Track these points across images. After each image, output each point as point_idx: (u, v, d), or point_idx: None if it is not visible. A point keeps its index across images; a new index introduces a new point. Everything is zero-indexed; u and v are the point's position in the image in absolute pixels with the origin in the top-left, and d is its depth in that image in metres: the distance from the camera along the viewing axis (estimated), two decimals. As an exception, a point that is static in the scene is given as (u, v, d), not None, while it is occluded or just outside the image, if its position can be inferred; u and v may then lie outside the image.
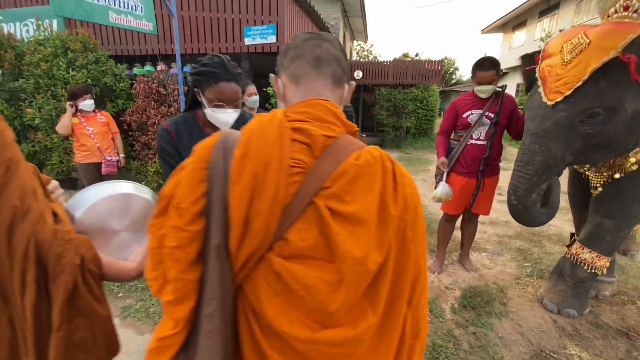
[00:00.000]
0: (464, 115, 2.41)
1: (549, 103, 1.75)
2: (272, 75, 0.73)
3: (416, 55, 14.46)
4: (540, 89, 1.83)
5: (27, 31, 4.46)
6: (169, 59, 4.43)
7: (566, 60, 1.69)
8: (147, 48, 4.44)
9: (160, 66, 4.17)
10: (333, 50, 0.70)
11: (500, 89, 2.35)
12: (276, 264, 0.54)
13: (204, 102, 1.24)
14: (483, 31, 18.77)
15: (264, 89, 3.95)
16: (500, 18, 16.36)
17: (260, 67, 3.71)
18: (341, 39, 13.62)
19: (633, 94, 1.57)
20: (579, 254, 2.17)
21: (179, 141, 1.34)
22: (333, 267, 0.54)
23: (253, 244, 0.54)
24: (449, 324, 2.16)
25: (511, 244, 3.27)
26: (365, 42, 20.74)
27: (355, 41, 20.12)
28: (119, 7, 2.73)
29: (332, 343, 0.55)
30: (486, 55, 2.34)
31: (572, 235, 2.45)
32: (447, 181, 2.46)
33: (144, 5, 2.97)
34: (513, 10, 15.07)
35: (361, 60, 13.29)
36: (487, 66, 2.26)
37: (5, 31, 4.33)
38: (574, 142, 1.73)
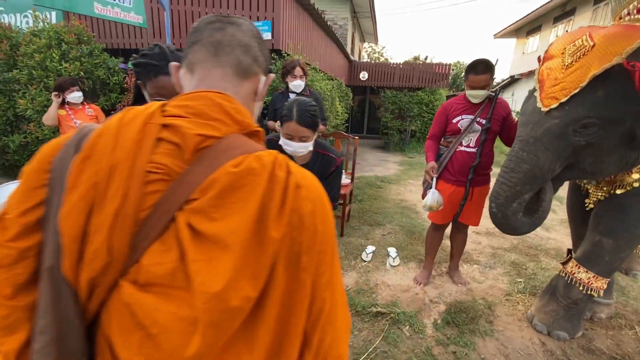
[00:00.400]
0: (454, 121, 2.27)
1: (543, 109, 1.61)
2: (172, 64, 0.63)
3: (425, 58, 14.23)
4: (537, 93, 1.70)
5: (27, 22, 4.46)
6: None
7: (567, 64, 1.55)
8: (143, 42, 4.40)
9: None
10: (239, 35, 0.59)
11: (493, 94, 2.22)
12: (125, 293, 0.43)
13: (146, 96, 1.15)
14: (496, 36, 18.39)
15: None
16: (514, 23, 16.01)
17: None
18: (349, 40, 13.51)
19: (635, 107, 1.41)
20: (574, 273, 2.01)
21: None
22: (191, 302, 0.43)
23: (94, 268, 0.43)
24: (428, 341, 2.03)
25: (505, 257, 3.11)
26: (376, 44, 20.56)
27: (365, 43, 19.97)
28: (105, -2, 2.68)
29: None
30: (480, 58, 2.20)
31: (569, 251, 2.29)
32: (435, 188, 2.32)
33: (134, -3, 2.92)
34: (527, 15, 14.73)
35: (367, 61, 13.12)
36: (481, 69, 2.12)
37: (6, 22, 4.34)
38: (564, 153, 1.59)
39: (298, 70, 2.88)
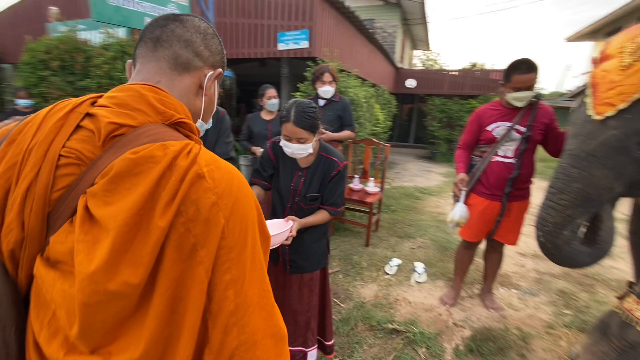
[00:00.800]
0: (489, 128, 2.07)
1: (597, 117, 1.37)
2: (128, 61, 0.66)
3: (473, 65, 13.41)
4: (588, 100, 1.46)
5: (101, 38, 5.09)
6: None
7: (625, 64, 1.32)
8: None
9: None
10: (179, 30, 0.60)
11: (535, 99, 1.99)
12: (36, 268, 0.46)
13: None
14: (569, 39, 16.64)
15: (295, 93, 3.93)
16: (591, 25, 14.37)
17: (298, 71, 3.71)
18: (399, 48, 13.26)
19: None
20: (632, 311, 1.69)
21: None
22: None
23: (10, 241, 0.46)
24: (445, 368, 1.85)
25: (552, 284, 2.74)
26: (428, 50, 19.90)
27: (418, 50, 19.45)
28: (155, 13, 2.96)
29: None
30: (523, 57, 1.98)
31: (629, 284, 1.94)
32: (465, 202, 2.14)
33: (180, 11, 3.19)
34: (606, 16, 13.12)
35: (416, 69, 12.73)
36: (525, 68, 1.90)
37: (84, 37, 5.01)
38: (626, 170, 1.31)
39: (327, 76, 2.88)
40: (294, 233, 1.30)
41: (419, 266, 2.85)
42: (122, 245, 0.42)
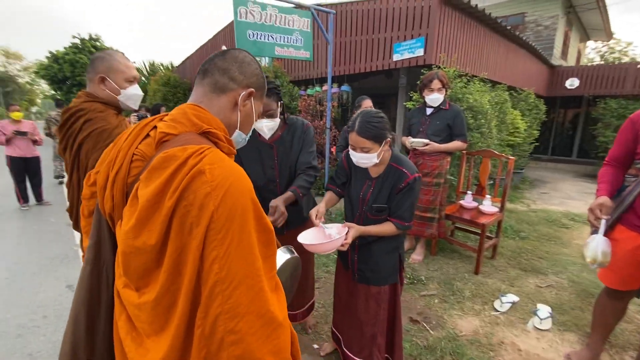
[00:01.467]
0: None
1: None
2: None
3: None
4: None
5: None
6: (335, 80, 5.10)
7: None
8: (311, 73, 5.31)
9: (325, 87, 4.88)
10: (220, 62, 0.77)
11: None
12: (116, 227, 0.69)
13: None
14: None
15: (406, 103, 3.85)
16: None
17: (415, 80, 3.68)
18: (559, 42, 10.92)
19: None
20: None
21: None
22: None
23: (108, 206, 0.71)
24: None
25: None
26: (608, 40, 15.50)
27: (591, 41, 15.44)
28: (283, 42, 3.47)
29: (128, 301, 0.65)
30: None
31: None
32: (607, 235, 1.63)
33: (304, 38, 3.62)
34: None
35: (581, 65, 10.13)
36: None
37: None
38: None
39: (435, 84, 2.72)
40: (349, 240, 1.31)
41: (544, 309, 2.29)
42: (144, 215, 0.61)
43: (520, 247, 3.41)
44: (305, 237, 1.35)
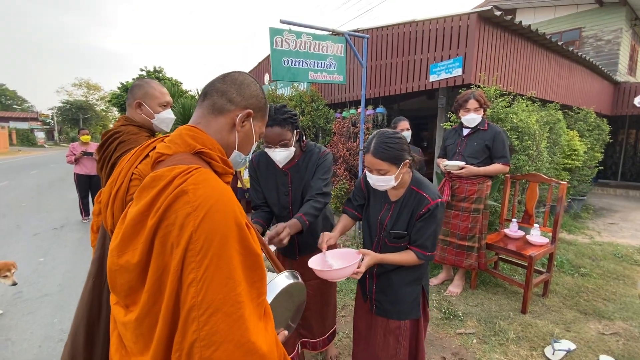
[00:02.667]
0: None
1: None
2: None
3: None
4: None
5: (290, 91, 6.54)
6: (371, 102, 5.10)
7: None
8: (346, 96, 5.36)
9: (360, 109, 4.90)
10: (219, 84, 0.79)
11: None
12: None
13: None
14: None
15: (444, 124, 3.70)
16: None
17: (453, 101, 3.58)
18: (626, 56, 9.97)
19: None
20: None
21: (258, 169, 1.67)
22: None
23: (109, 223, 0.75)
24: None
25: None
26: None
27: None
28: (316, 67, 3.56)
29: (117, 318, 0.66)
30: None
31: None
32: None
33: (337, 62, 3.69)
34: None
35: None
36: None
37: (280, 92, 6.58)
38: None
39: (472, 103, 2.58)
40: (363, 269, 1.22)
41: (608, 362, 1.93)
42: (129, 234, 0.62)
43: (579, 285, 2.98)
44: (317, 262, 1.29)
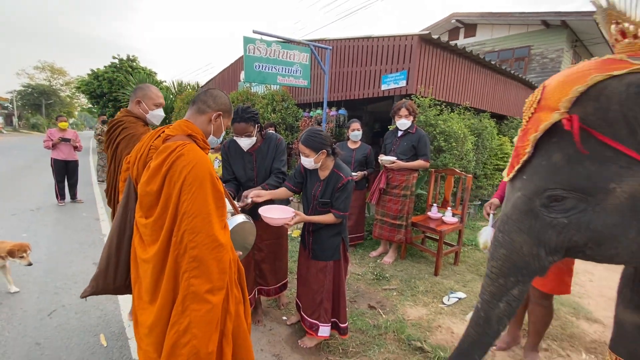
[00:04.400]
0: None
1: (506, 179, 1.29)
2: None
3: None
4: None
5: (262, 90, 7.02)
6: (334, 104, 5.73)
7: (522, 128, 1.22)
8: (311, 98, 5.98)
9: (326, 110, 5.51)
10: (202, 96, 1.36)
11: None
12: (137, 185, 1.26)
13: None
14: None
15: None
16: None
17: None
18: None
19: (620, 169, 0.97)
20: None
21: (229, 153, 2.23)
22: None
23: (134, 173, 1.28)
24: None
25: None
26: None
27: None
28: (284, 72, 4.13)
29: (140, 224, 1.20)
30: None
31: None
32: (495, 226, 2.06)
33: (303, 69, 4.28)
34: None
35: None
36: None
37: (255, 90, 7.05)
38: (544, 236, 1.15)
39: (403, 111, 3.25)
40: (291, 223, 1.84)
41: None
42: (152, 175, 1.16)
43: (485, 258, 3.77)
44: (266, 211, 1.90)
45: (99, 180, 7.93)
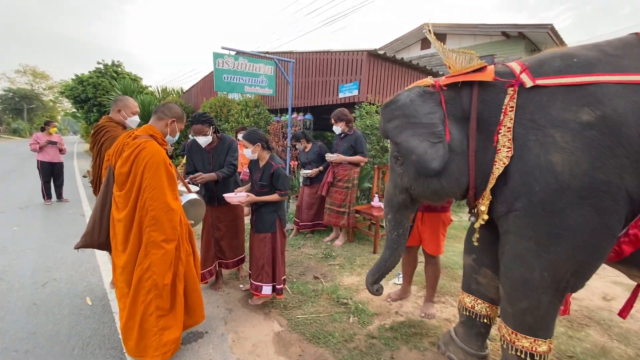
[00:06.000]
0: None
1: None
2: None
3: None
4: None
5: (238, 98, 7.59)
6: (301, 110, 6.35)
7: None
8: (277, 104, 6.61)
9: (294, 115, 6.12)
10: (161, 107, 1.96)
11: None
12: (115, 169, 1.84)
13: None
14: None
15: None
16: None
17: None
18: (525, 80, 12.16)
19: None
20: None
21: (191, 150, 2.81)
22: None
23: (112, 161, 1.85)
24: (357, 330, 2.44)
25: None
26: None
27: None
28: (250, 82, 4.72)
29: (116, 194, 1.79)
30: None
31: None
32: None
33: (268, 79, 4.88)
34: None
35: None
36: None
37: (230, 97, 7.62)
38: (396, 180, 1.76)
39: (333, 119, 3.90)
40: (244, 202, 2.44)
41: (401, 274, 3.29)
42: (123, 161, 1.77)
43: (422, 241, 4.42)
44: (228, 195, 2.50)
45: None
